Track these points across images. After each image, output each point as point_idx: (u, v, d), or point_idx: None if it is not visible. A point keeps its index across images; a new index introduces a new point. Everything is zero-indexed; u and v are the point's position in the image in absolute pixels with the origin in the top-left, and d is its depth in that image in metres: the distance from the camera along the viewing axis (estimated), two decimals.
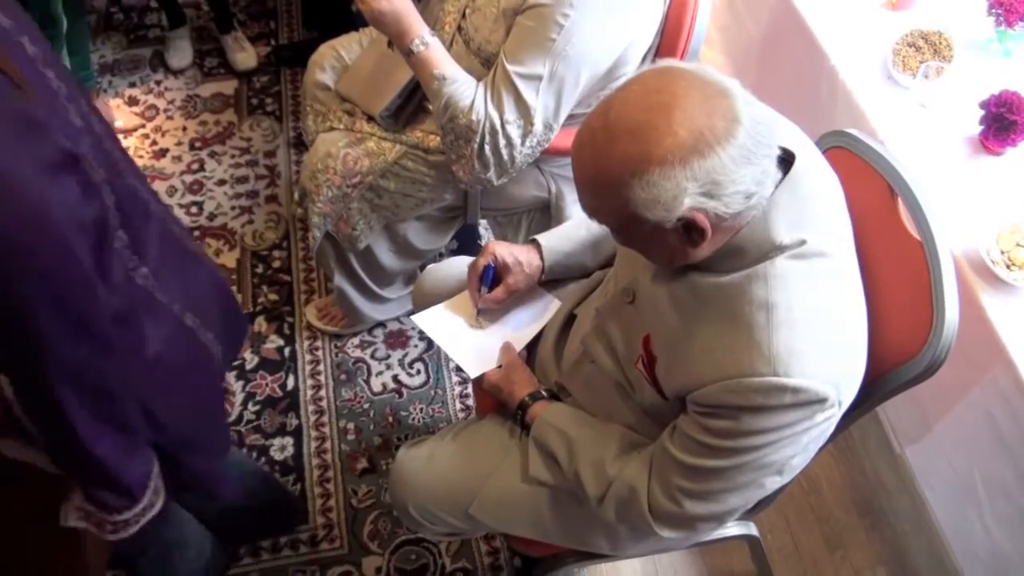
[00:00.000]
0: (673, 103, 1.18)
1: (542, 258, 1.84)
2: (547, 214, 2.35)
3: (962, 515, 2.11)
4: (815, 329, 1.26)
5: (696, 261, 1.31)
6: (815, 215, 1.31)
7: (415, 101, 2.26)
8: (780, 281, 1.26)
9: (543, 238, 1.86)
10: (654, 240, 1.28)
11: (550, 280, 1.90)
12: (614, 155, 1.20)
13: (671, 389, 1.41)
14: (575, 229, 1.88)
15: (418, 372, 2.73)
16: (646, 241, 1.31)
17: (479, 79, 1.97)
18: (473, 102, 1.93)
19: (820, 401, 1.26)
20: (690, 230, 1.23)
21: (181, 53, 3.53)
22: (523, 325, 1.87)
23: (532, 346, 1.87)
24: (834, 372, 1.28)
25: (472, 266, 1.86)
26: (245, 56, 3.49)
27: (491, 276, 1.83)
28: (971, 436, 2.01)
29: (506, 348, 1.82)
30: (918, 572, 2.31)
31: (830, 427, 1.33)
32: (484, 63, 2.03)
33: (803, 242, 1.27)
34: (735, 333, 1.27)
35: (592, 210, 1.31)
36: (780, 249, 1.27)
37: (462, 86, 1.95)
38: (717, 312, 1.31)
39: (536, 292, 1.90)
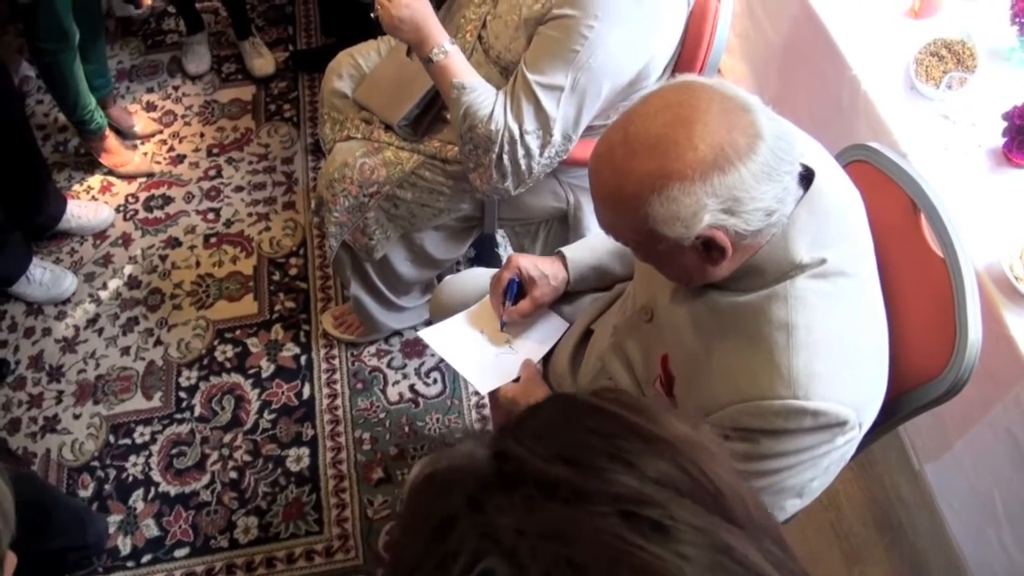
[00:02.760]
0: (694, 117, 1.16)
1: (567, 270, 1.82)
2: (565, 225, 2.33)
3: (981, 534, 2.08)
4: (836, 351, 1.24)
5: (715, 280, 1.29)
6: (836, 233, 1.29)
7: (434, 111, 2.25)
8: (800, 302, 1.24)
9: (568, 250, 1.84)
10: (672, 257, 1.26)
11: (575, 291, 1.88)
12: (633, 170, 1.18)
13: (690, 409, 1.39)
14: (601, 240, 1.86)
15: (435, 382, 2.71)
16: (664, 258, 1.28)
17: (498, 88, 1.96)
18: (493, 111, 1.91)
19: (840, 424, 1.24)
20: (709, 248, 1.21)
21: (199, 59, 3.54)
22: (534, 343, 1.86)
23: (545, 361, 1.85)
24: (854, 394, 1.26)
25: (495, 279, 1.84)
26: (263, 63, 3.49)
27: (515, 290, 1.81)
28: (992, 454, 1.98)
29: (526, 363, 1.79)
30: None
31: (851, 449, 1.31)
32: (503, 72, 2.01)
33: (823, 261, 1.25)
34: (754, 354, 1.25)
35: (609, 226, 1.29)
36: (800, 268, 1.25)
37: (482, 95, 1.93)
38: (736, 332, 1.29)
39: (545, 311, 1.89)
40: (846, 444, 1.28)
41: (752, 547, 0.60)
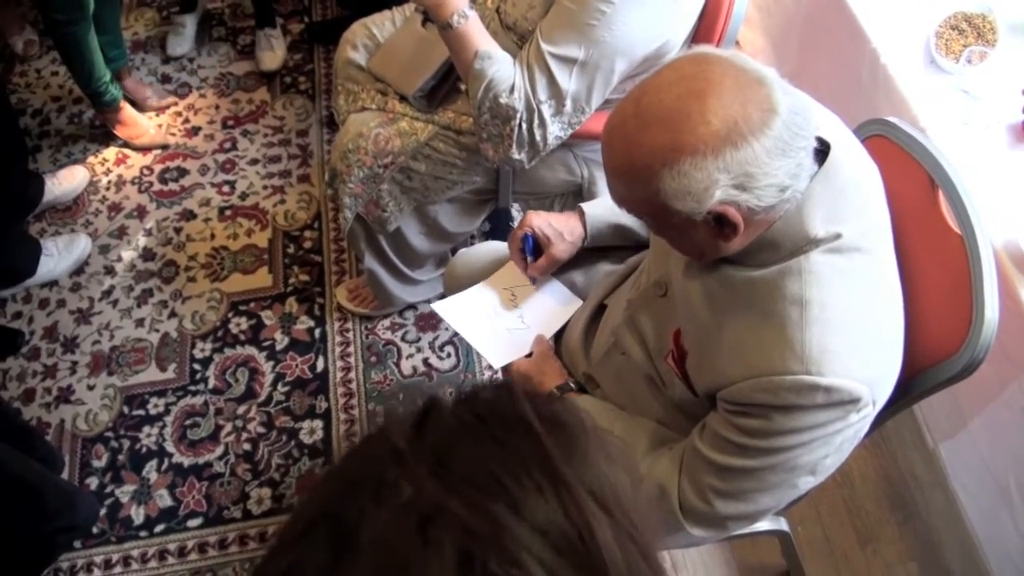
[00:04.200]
0: (708, 90, 1.14)
1: (585, 226, 1.81)
2: (579, 199, 2.32)
3: (995, 515, 2.07)
4: (850, 327, 1.23)
5: (728, 255, 1.28)
6: (851, 207, 1.27)
7: (449, 82, 2.23)
8: (814, 277, 1.23)
9: (586, 206, 1.83)
10: (684, 232, 1.24)
11: (593, 248, 1.86)
12: (645, 143, 1.17)
13: (701, 386, 1.38)
14: None
15: (448, 355, 2.71)
16: (676, 232, 1.27)
17: (515, 57, 1.94)
18: (514, 83, 1.89)
19: (854, 401, 1.22)
20: (722, 223, 1.20)
21: (183, 41, 3.48)
22: (546, 318, 1.85)
23: (558, 336, 1.85)
24: (868, 371, 1.24)
25: (511, 238, 1.84)
26: (271, 56, 3.42)
27: (531, 245, 1.81)
28: (1007, 434, 1.97)
29: (539, 339, 1.79)
30: (950, 570, 2.27)
31: (864, 427, 1.30)
32: (519, 40, 2.00)
33: (838, 235, 1.24)
34: (767, 330, 1.24)
35: (621, 199, 1.28)
36: (815, 243, 1.23)
37: (504, 66, 1.91)
38: (749, 308, 1.28)
39: (556, 287, 1.88)
40: (860, 421, 1.27)
41: None
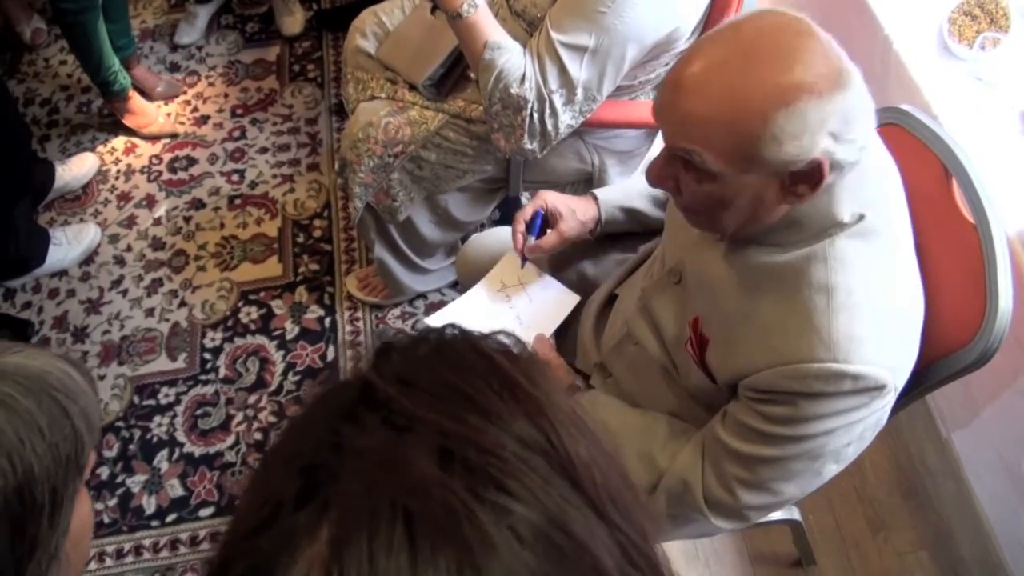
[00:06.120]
0: (812, 32, 1.13)
1: (599, 210, 1.78)
2: (590, 187, 2.29)
3: (1008, 504, 2.07)
4: (876, 314, 1.22)
5: (764, 226, 1.25)
6: (874, 193, 1.26)
7: (458, 70, 2.22)
8: (840, 263, 1.22)
9: (599, 191, 1.81)
10: (746, 193, 1.19)
11: (604, 236, 1.84)
12: (762, 81, 1.11)
13: (723, 374, 1.36)
14: (632, 182, 1.83)
15: None
16: (738, 193, 1.20)
17: (523, 44, 1.93)
18: (525, 72, 1.88)
19: (879, 388, 1.22)
20: (797, 182, 1.16)
21: (192, 29, 3.48)
22: (544, 317, 1.82)
23: (569, 327, 1.84)
24: (893, 358, 1.24)
25: (519, 213, 1.79)
26: (292, 21, 3.45)
27: (539, 224, 1.76)
28: (1020, 423, 1.96)
29: (539, 338, 1.76)
30: (962, 558, 2.27)
31: (885, 414, 1.29)
32: (528, 27, 1.99)
33: (862, 217, 1.22)
34: (793, 316, 1.23)
35: (704, 144, 1.16)
36: (839, 227, 1.22)
37: (514, 55, 1.90)
38: (774, 294, 1.26)
39: (552, 283, 1.86)
40: (882, 409, 1.26)
41: (598, 528, 0.59)
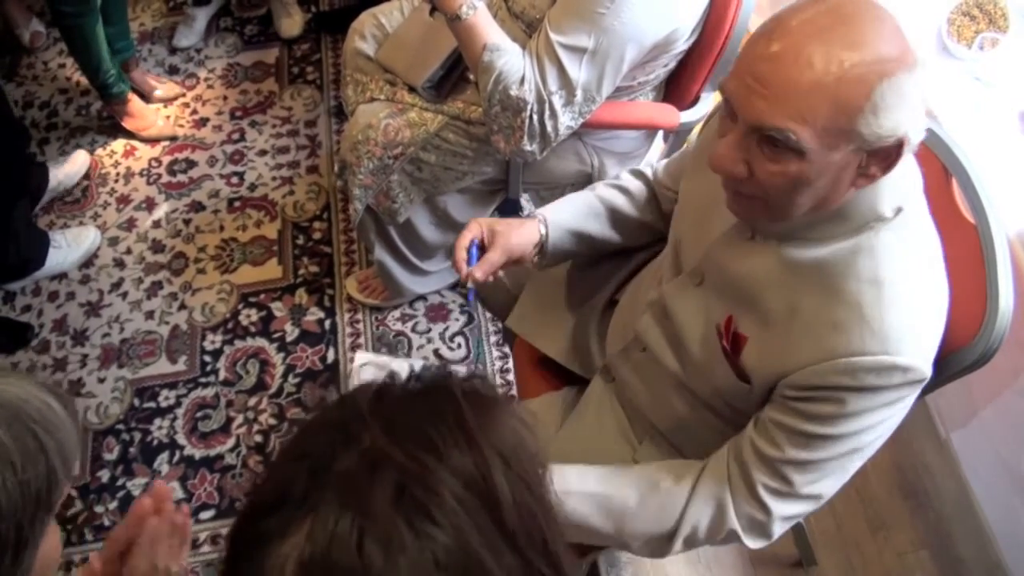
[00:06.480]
0: (881, 4, 1.11)
1: (543, 231, 1.68)
2: None
3: (1007, 504, 2.07)
4: (921, 306, 1.22)
5: (827, 208, 1.22)
6: (910, 186, 1.26)
7: (457, 72, 2.22)
8: (886, 256, 1.21)
9: (548, 211, 1.71)
10: (828, 172, 1.15)
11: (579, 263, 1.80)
12: (870, 50, 1.07)
13: (762, 373, 1.32)
14: (581, 195, 1.74)
15: (459, 346, 2.71)
16: (819, 174, 1.15)
17: (522, 46, 1.93)
18: (524, 74, 1.88)
19: (921, 380, 1.22)
20: (871, 162, 1.14)
21: (190, 32, 3.48)
22: None
23: (575, 334, 1.82)
24: (932, 350, 1.24)
25: (457, 246, 1.67)
26: (291, 23, 3.46)
27: (475, 254, 1.65)
28: (1020, 423, 1.96)
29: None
30: (961, 558, 2.27)
31: (908, 406, 1.28)
32: (527, 28, 1.99)
33: (900, 210, 1.22)
34: (842, 310, 1.22)
35: (782, 128, 1.11)
36: (881, 220, 1.22)
37: (513, 57, 1.90)
38: (820, 289, 1.25)
39: None
40: (911, 399, 1.26)
41: (510, 558, 0.77)
